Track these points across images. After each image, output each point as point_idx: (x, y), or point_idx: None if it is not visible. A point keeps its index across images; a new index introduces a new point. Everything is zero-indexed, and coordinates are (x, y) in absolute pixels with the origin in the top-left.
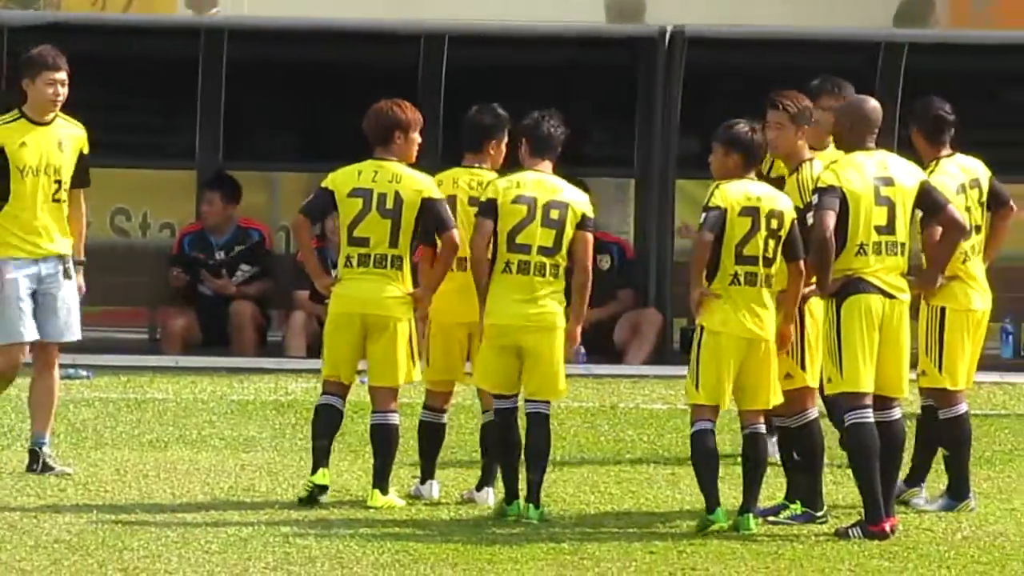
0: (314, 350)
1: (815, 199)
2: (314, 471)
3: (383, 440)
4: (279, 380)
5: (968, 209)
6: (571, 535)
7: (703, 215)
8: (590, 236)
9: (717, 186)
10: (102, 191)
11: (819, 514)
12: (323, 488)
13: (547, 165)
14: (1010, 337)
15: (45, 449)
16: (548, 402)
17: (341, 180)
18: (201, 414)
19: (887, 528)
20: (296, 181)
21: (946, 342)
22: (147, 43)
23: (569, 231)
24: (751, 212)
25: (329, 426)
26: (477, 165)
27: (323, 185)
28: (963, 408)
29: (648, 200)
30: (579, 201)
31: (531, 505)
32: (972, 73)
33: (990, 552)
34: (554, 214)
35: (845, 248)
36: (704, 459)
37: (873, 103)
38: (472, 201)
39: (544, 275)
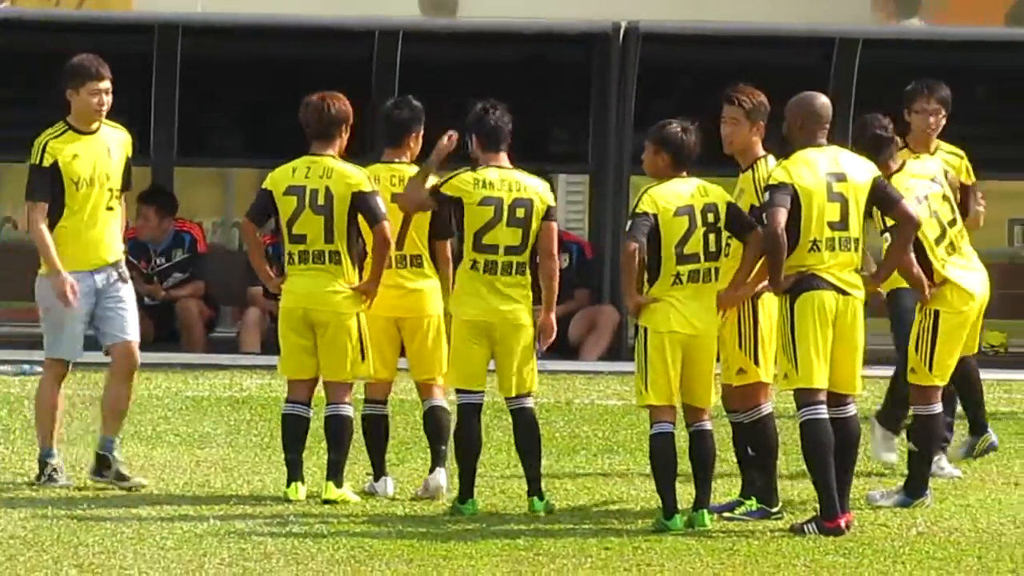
0: (268, 346)
1: (766, 196)
2: (288, 483)
3: (336, 432)
4: (234, 376)
5: (935, 212)
6: (526, 531)
7: (629, 222)
8: (555, 225)
9: (646, 190)
10: None
11: (774, 510)
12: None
13: (503, 157)
14: None
15: (115, 454)
16: (529, 395)
17: (278, 178)
18: (156, 410)
19: (842, 524)
20: (251, 177)
21: (938, 344)
22: (101, 39)
23: (535, 226)
24: (686, 211)
25: (295, 438)
26: (397, 160)
27: (264, 186)
28: (938, 408)
29: (603, 195)
30: (543, 193)
31: (535, 498)
32: (926, 69)
33: (945, 548)
34: (520, 212)
35: (798, 244)
36: (662, 462)
37: (823, 99)
38: (396, 197)
39: (511, 273)
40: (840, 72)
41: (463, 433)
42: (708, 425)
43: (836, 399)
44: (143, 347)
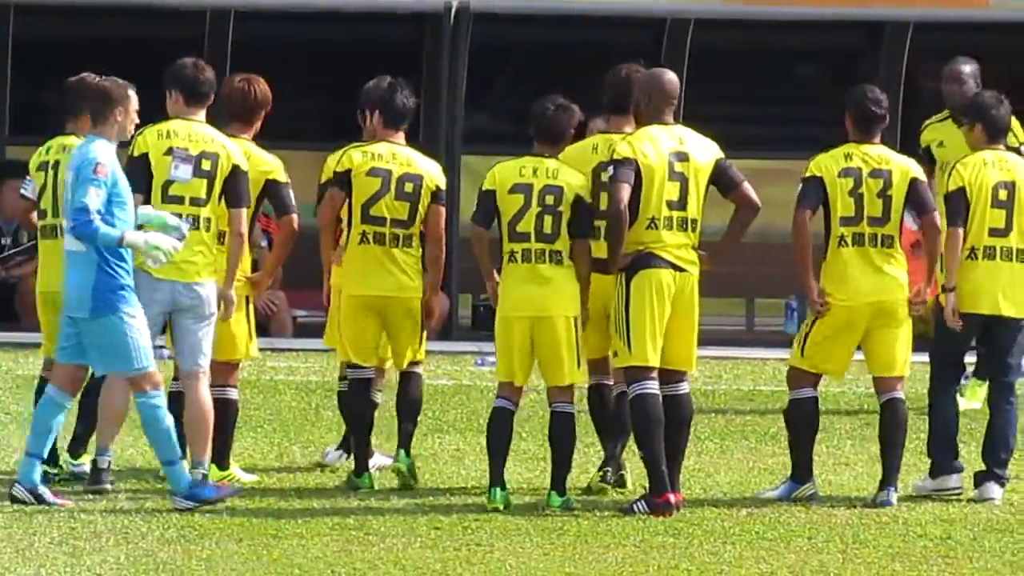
0: None
1: (611, 170)
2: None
3: (221, 414)
4: None
5: (860, 196)
6: (357, 510)
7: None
8: (443, 208)
9: (492, 168)
10: None
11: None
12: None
13: (400, 136)
14: (794, 313)
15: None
16: (419, 362)
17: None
18: None
19: (671, 499)
20: None
21: (814, 328)
22: None
23: (424, 202)
24: (522, 189)
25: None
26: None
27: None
28: (807, 392)
29: None
30: (433, 173)
31: (403, 451)
32: (757, 50)
33: (775, 528)
34: (408, 187)
35: (637, 221)
36: (493, 434)
37: (671, 76)
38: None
39: (399, 245)
40: (671, 53)
41: (352, 409)
42: (565, 407)
43: (670, 376)
44: None
